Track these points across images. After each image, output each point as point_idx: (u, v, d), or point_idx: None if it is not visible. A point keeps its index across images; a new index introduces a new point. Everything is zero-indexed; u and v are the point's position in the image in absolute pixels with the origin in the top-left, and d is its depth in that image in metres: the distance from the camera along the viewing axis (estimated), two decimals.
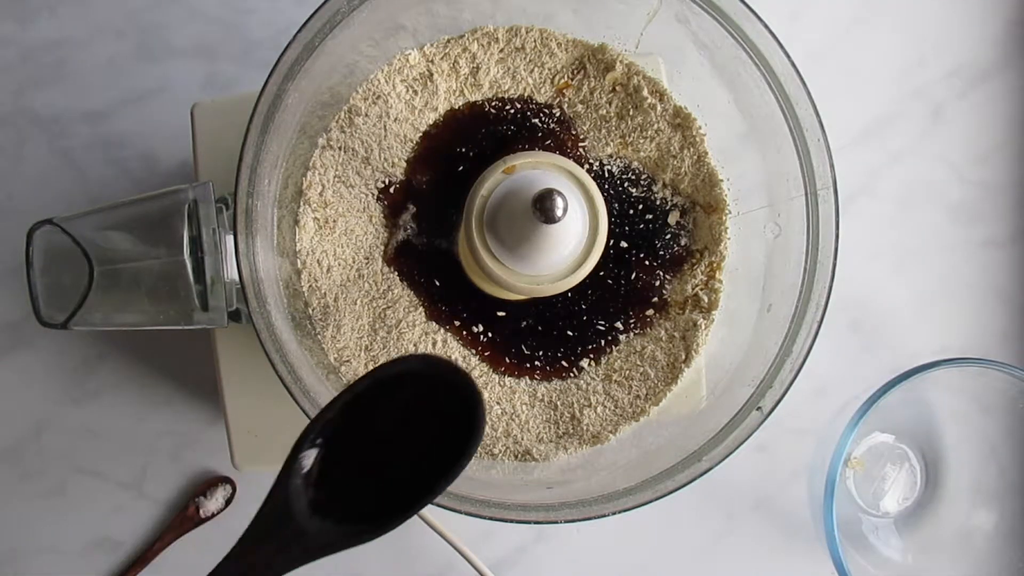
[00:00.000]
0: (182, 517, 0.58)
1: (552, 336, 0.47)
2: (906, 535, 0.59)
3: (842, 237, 0.42)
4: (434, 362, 0.32)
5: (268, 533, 0.30)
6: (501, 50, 0.48)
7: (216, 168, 0.48)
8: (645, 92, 0.48)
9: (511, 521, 0.41)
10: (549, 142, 0.47)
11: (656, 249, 0.47)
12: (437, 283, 0.47)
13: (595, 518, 0.41)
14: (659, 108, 0.48)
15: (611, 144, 0.48)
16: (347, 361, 0.46)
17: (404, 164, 0.47)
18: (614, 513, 0.41)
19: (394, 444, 0.32)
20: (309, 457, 0.31)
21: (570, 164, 0.43)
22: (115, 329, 0.55)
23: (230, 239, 0.43)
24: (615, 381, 0.47)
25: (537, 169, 0.43)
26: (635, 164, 0.48)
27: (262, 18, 0.60)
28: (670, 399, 0.47)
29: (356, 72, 0.47)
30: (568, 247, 0.42)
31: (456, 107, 0.48)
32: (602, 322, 0.47)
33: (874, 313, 0.61)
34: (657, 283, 0.48)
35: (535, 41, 0.48)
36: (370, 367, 0.46)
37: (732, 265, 0.48)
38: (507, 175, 0.42)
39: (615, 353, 0.48)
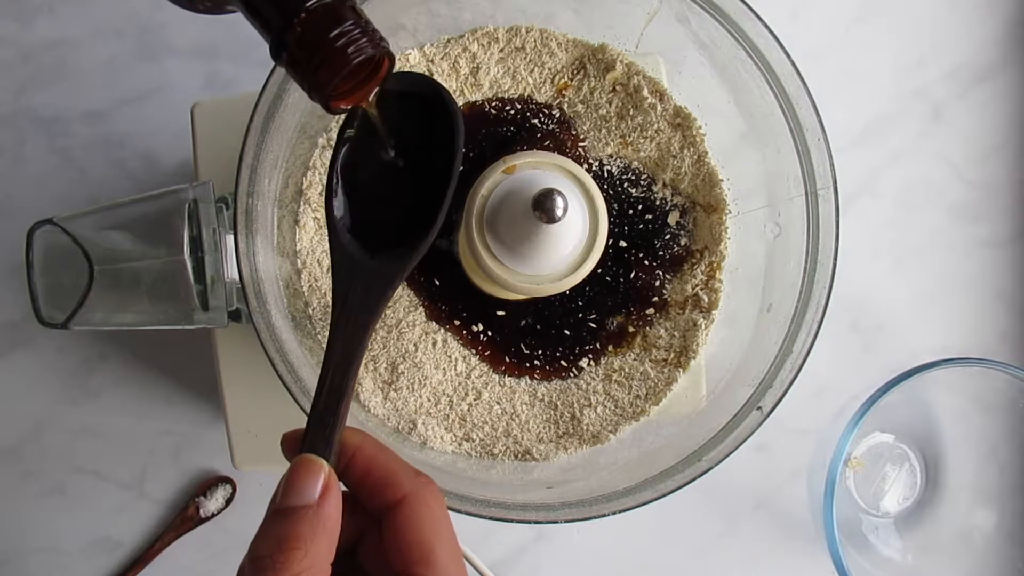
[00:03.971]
0: (182, 517, 0.58)
1: (552, 336, 0.47)
2: (906, 535, 0.59)
3: (842, 237, 0.42)
4: (407, 78, 0.35)
5: (351, 276, 0.33)
6: (501, 50, 0.48)
7: (216, 168, 0.48)
8: (645, 92, 0.48)
9: (511, 521, 0.41)
10: (549, 142, 0.47)
11: (656, 249, 0.47)
12: (437, 283, 0.47)
13: (595, 518, 0.41)
14: (659, 108, 0.48)
15: (611, 144, 0.48)
16: None
17: None
18: (614, 513, 0.41)
19: (401, 176, 0.35)
20: (341, 208, 0.34)
21: (570, 164, 0.43)
22: (115, 329, 0.55)
23: (230, 239, 0.42)
24: (615, 381, 0.47)
25: (537, 169, 0.43)
26: (635, 164, 0.48)
27: None
28: (670, 399, 0.47)
29: None
30: (568, 247, 0.42)
31: None
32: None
33: (874, 313, 0.61)
34: (657, 283, 0.48)
35: (535, 41, 0.48)
36: (370, 367, 0.46)
37: (732, 265, 0.48)
38: (507, 175, 0.42)
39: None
